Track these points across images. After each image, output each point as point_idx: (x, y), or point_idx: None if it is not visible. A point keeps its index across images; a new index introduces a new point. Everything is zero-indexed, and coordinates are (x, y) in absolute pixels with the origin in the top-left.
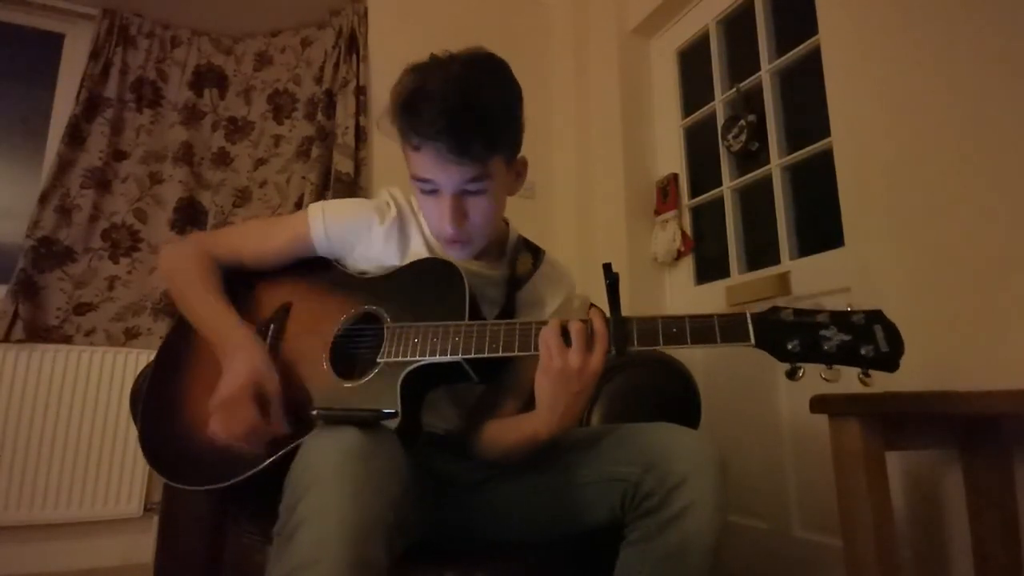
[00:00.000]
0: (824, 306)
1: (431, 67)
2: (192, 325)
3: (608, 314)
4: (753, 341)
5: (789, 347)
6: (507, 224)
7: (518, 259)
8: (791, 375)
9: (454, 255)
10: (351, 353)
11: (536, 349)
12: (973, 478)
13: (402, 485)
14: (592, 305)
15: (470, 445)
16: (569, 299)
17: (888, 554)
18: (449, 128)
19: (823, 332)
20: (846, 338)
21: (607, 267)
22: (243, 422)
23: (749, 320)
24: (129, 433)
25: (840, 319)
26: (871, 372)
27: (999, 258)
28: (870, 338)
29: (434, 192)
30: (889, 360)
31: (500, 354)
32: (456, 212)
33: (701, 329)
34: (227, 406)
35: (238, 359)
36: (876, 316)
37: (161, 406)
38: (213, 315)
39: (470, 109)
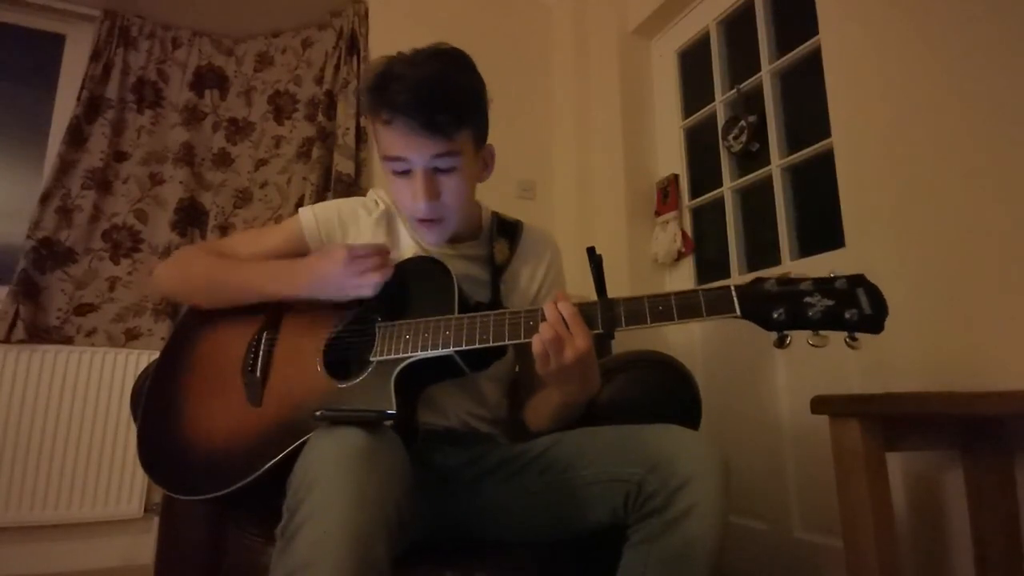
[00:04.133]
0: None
1: (397, 57)
2: (231, 297)
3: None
4: (738, 312)
5: (775, 316)
6: (479, 206)
7: (495, 245)
8: (779, 344)
9: (428, 238)
10: (345, 354)
11: (525, 337)
12: (974, 479)
13: (404, 485)
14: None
15: (526, 427)
16: (554, 273)
17: (889, 555)
18: (417, 101)
19: (807, 299)
20: (830, 303)
21: (591, 250)
22: (369, 257)
23: (733, 292)
24: (130, 434)
25: (823, 285)
26: (857, 336)
27: (1000, 259)
28: (854, 302)
29: (406, 173)
30: (873, 322)
31: (491, 344)
32: (428, 188)
33: (687, 305)
34: (353, 264)
35: (313, 264)
36: (858, 280)
37: (160, 417)
38: (262, 267)
39: (437, 84)
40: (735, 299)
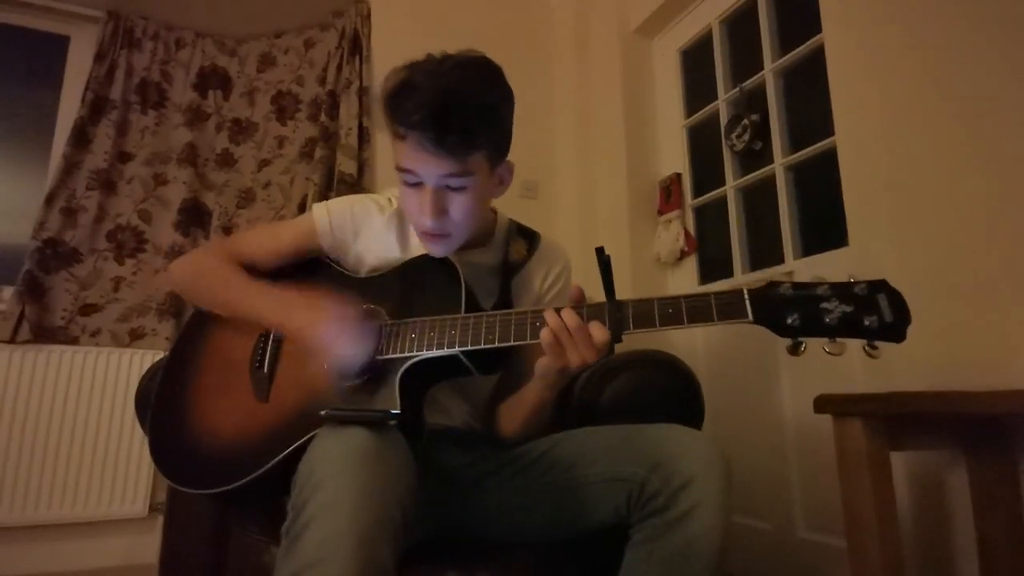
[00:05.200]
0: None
1: (422, 63)
2: (233, 315)
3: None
4: (751, 317)
5: (789, 321)
6: (494, 212)
7: (511, 246)
8: (793, 350)
9: (433, 251)
10: None
11: (531, 338)
12: (978, 478)
13: (409, 485)
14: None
15: (495, 434)
16: (567, 283)
17: (892, 555)
18: (429, 119)
19: (824, 304)
20: (848, 309)
21: (599, 250)
22: (355, 328)
23: (746, 296)
24: (134, 433)
25: (841, 290)
26: (877, 344)
27: (1003, 258)
28: (873, 308)
29: (417, 185)
30: (894, 330)
31: (496, 345)
32: (436, 205)
33: (698, 308)
34: (342, 324)
35: (309, 311)
36: (879, 285)
37: (170, 412)
38: (265, 296)
39: (450, 102)
40: (748, 304)
